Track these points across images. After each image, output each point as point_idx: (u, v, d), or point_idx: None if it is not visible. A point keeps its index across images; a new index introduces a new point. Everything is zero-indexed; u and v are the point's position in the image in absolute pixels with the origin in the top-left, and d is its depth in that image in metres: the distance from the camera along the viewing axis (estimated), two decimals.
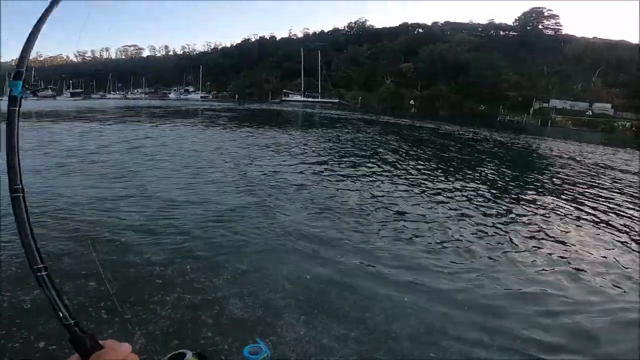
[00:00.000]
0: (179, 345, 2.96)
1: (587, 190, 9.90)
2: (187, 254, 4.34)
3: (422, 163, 12.01)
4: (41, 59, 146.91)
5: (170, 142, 13.56)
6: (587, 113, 47.66)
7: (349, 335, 3.20)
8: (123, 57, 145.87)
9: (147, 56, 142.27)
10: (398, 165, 11.24)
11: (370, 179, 9.14)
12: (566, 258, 5.16)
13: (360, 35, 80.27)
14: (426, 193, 8.13)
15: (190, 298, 3.47)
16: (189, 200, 6.54)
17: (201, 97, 74.49)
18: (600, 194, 9.67)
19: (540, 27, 66.58)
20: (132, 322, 3.13)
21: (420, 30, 78.16)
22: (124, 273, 3.79)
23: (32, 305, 3.26)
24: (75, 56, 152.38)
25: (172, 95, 78.54)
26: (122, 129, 17.97)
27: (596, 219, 7.23)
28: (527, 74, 55.48)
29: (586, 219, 7.17)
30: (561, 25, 66.96)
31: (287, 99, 63.04)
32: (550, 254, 5.26)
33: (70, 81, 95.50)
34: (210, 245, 4.65)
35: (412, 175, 9.95)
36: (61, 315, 0.57)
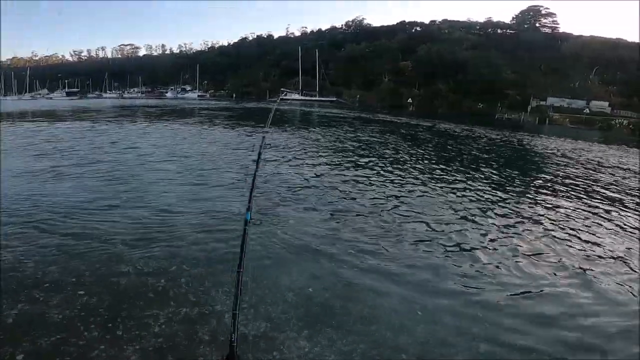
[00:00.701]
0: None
1: (585, 187, 9.77)
2: (181, 263, 4.11)
3: (422, 162, 11.83)
4: (36, 58, 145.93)
5: (164, 143, 13.31)
6: (584, 111, 47.72)
7: (356, 350, 3.02)
8: (119, 56, 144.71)
9: (144, 55, 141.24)
10: (398, 166, 11.06)
11: (371, 180, 8.95)
12: (576, 257, 5.00)
13: (358, 34, 79.99)
14: (426, 194, 7.95)
15: (185, 312, 3.27)
16: (183, 204, 6.29)
17: (198, 96, 74.12)
18: (596, 189, 9.57)
19: (537, 25, 66.61)
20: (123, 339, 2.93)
21: (418, 28, 77.94)
22: (114, 285, 3.58)
23: (15, 321, 3.07)
24: (71, 55, 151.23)
25: (169, 95, 78.11)
26: (116, 129, 17.69)
27: (594, 214, 7.11)
28: (525, 72, 55.46)
29: (587, 216, 7.02)
30: (558, 24, 67.10)
31: (284, 97, 62.77)
32: (559, 255, 5.10)
33: (66, 80, 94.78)
34: (207, 253, 4.42)
35: (413, 175, 9.77)
36: (234, 338, 0.67)
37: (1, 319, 3.09)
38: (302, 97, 61.26)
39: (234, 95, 73.14)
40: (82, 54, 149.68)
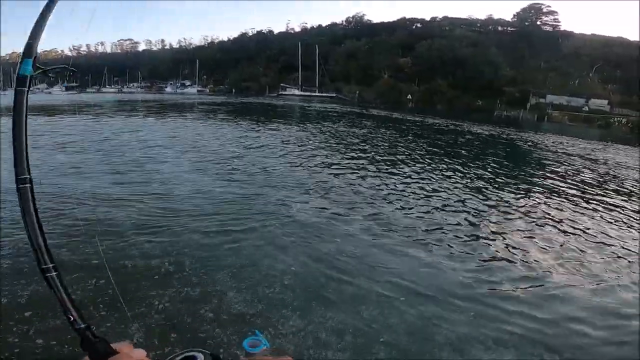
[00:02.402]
0: (176, 338, 2.98)
1: (582, 185, 9.97)
2: (185, 247, 4.35)
3: (418, 157, 12.01)
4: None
5: (164, 136, 13.47)
6: (583, 109, 47.79)
7: (346, 329, 3.23)
8: (119, 51, 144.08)
9: (143, 50, 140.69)
10: (395, 159, 11.25)
11: (367, 172, 9.17)
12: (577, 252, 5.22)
13: (358, 30, 79.70)
14: (423, 187, 8.15)
15: (188, 292, 3.49)
16: (186, 193, 6.55)
17: (198, 90, 74.00)
18: (592, 185, 9.77)
19: (538, 23, 66.47)
20: (129, 317, 3.14)
21: (419, 25, 77.76)
22: (121, 267, 3.79)
23: (30, 299, 3.26)
24: (70, 50, 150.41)
25: (168, 89, 78.00)
26: (116, 122, 17.83)
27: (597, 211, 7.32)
28: (525, 69, 55.48)
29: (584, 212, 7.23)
30: (559, 22, 66.92)
31: (284, 93, 62.76)
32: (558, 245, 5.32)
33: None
34: (208, 238, 4.67)
35: (409, 168, 9.97)
36: (72, 319, 0.53)
37: (16, 299, 3.28)
38: (302, 93, 61.25)
39: (234, 91, 73.07)
40: (82, 49, 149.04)
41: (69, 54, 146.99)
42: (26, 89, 0.53)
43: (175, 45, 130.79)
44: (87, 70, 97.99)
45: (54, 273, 0.54)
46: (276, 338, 3.03)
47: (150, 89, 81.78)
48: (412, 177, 9.13)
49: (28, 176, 0.52)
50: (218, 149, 11.32)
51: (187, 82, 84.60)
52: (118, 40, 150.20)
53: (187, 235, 4.69)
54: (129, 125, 16.34)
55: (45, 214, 5.18)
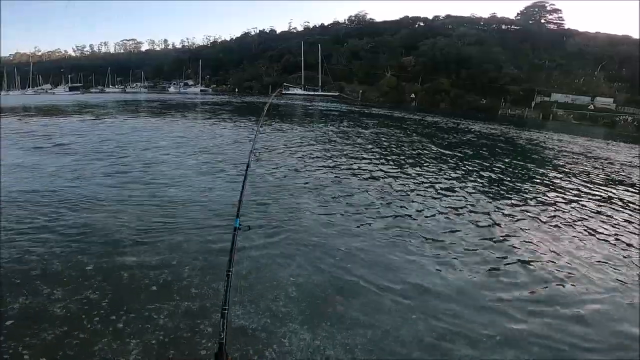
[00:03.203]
0: (176, 355, 2.79)
1: (589, 183, 9.72)
2: (184, 256, 4.14)
3: (424, 158, 11.78)
4: (39, 53, 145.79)
5: (167, 138, 13.30)
6: (588, 107, 47.33)
7: (355, 344, 3.03)
8: (122, 51, 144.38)
9: (146, 50, 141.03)
10: (400, 160, 11.02)
11: (374, 174, 8.95)
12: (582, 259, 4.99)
13: (361, 29, 79.26)
14: (430, 189, 7.93)
15: (187, 305, 3.29)
16: (185, 198, 6.33)
17: (201, 90, 73.91)
18: (601, 184, 9.52)
19: (542, 21, 65.86)
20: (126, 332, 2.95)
21: (422, 24, 77.23)
22: (117, 277, 3.60)
23: (18, 314, 3.09)
24: (74, 50, 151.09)
25: (171, 89, 77.90)
26: (119, 123, 17.70)
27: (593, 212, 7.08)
28: (529, 68, 54.99)
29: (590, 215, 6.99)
30: (564, 20, 66.23)
31: (287, 92, 62.55)
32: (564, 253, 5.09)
33: (69, 75, 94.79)
34: (208, 246, 4.45)
35: (415, 170, 9.74)
36: (222, 336, 0.73)
37: (5, 312, 3.11)
38: (305, 92, 61.01)
39: (236, 90, 72.94)
40: (85, 49, 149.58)
41: (73, 54, 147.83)
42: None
43: (178, 45, 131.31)
44: (91, 71, 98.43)
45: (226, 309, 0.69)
46: (282, 355, 2.84)
47: (153, 89, 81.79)
48: (419, 179, 8.90)
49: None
50: (219, 151, 11.13)
51: (190, 82, 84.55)
52: (121, 40, 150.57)
53: (186, 243, 4.48)
54: (133, 126, 16.20)
55: (37, 220, 5.00)
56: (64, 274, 3.67)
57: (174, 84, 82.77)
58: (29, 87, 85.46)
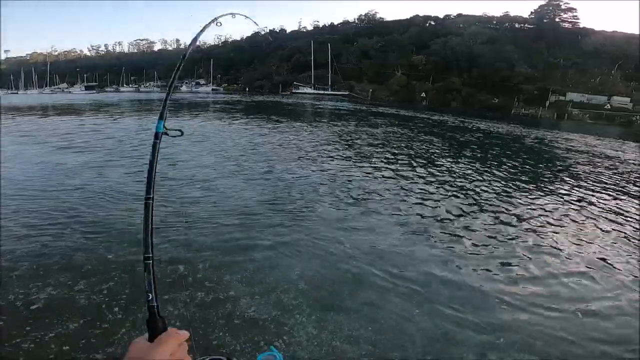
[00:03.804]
0: (190, 346, 2.94)
1: (604, 184, 9.61)
2: (198, 250, 4.33)
3: (435, 157, 11.79)
4: (56, 53, 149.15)
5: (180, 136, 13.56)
6: (605, 107, 46.38)
7: (362, 336, 3.15)
8: (135, 50, 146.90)
9: (159, 50, 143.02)
10: (411, 159, 11.05)
11: (385, 172, 9.05)
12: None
13: (370, 28, 79.03)
14: (442, 188, 7.97)
15: (201, 296, 3.46)
16: (200, 194, 6.57)
17: (212, 89, 74.75)
18: (613, 185, 9.41)
19: (557, 20, 64.71)
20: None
21: (432, 23, 76.63)
22: (136, 270, 3.79)
23: (44, 304, 3.27)
24: (89, 50, 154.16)
25: (183, 88, 78.83)
26: (135, 121, 18.13)
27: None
28: (544, 66, 54.05)
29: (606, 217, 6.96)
30: (579, 19, 65.00)
31: (297, 91, 62.81)
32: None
33: (85, 74, 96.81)
34: (221, 240, 4.65)
35: (427, 169, 9.78)
36: (150, 297, 0.71)
37: (30, 304, 3.29)
38: (315, 91, 61.17)
39: (247, 89, 73.62)
40: (100, 49, 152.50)
41: (88, 53, 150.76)
42: (159, 141, 0.86)
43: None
44: (105, 70, 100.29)
45: (151, 261, 0.74)
46: (290, 346, 2.97)
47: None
48: (431, 177, 8.96)
49: (152, 195, 0.78)
50: (232, 149, 11.35)
51: (202, 81, 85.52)
52: (135, 40, 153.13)
53: (202, 237, 4.68)
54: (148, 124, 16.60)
55: (60, 215, 5.26)
56: (86, 266, 3.87)
57: (186, 83, 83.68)
58: (46, 86, 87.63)
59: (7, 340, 2.81)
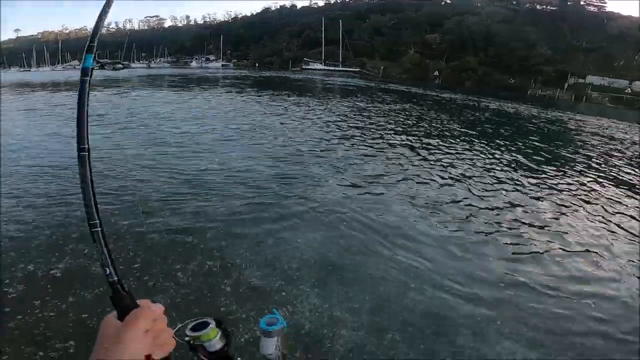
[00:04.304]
0: (197, 313, 3.09)
1: (620, 170, 9.43)
2: (207, 220, 4.49)
3: (447, 135, 11.58)
4: (67, 31, 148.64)
5: (190, 111, 13.64)
6: (625, 91, 44.79)
7: (362, 307, 3.26)
8: (146, 27, 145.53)
9: (169, 26, 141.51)
10: (423, 137, 10.91)
11: (397, 149, 9.12)
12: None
13: (383, 5, 76.41)
14: (453, 166, 7.94)
15: (209, 265, 3.60)
16: (209, 166, 6.77)
17: (222, 65, 74.08)
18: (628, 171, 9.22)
19: (582, 3, 61.92)
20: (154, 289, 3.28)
21: (448, 1, 73.82)
22: (148, 240, 3.94)
23: (64, 274, 3.40)
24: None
25: (193, 64, 78.32)
26: (146, 97, 18.19)
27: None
28: (566, 49, 51.98)
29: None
30: (605, 3, 62.00)
31: (307, 67, 61.89)
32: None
33: (97, 52, 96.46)
34: (230, 212, 4.80)
35: (439, 147, 9.65)
36: (108, 272, 0.60)
37: (50, 273, 3.42)
38: (325, 67, 60.16)
39: (257, 65, 72.80)
40: (111, 26, 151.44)
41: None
42: (88, 78, 0.68)
43: (200, 21, 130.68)
44: (116, 47, 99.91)
45: (99, 229, 0.60)
46: (293, 315, 3.10)
47: (176, 64, 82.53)
48: (442, 155, 8.94)
49: (87, 146, 0.62)
50: (243, 123, 11.39)
51: (212, 57, 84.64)
52: (145, 17, 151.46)
53: (211, 208, 4.85)
54: (161, 100, 16.72)
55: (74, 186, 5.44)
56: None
57: (196, 59, 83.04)
58: (58, 63, 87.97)
59: (29, 309, 2.92)
